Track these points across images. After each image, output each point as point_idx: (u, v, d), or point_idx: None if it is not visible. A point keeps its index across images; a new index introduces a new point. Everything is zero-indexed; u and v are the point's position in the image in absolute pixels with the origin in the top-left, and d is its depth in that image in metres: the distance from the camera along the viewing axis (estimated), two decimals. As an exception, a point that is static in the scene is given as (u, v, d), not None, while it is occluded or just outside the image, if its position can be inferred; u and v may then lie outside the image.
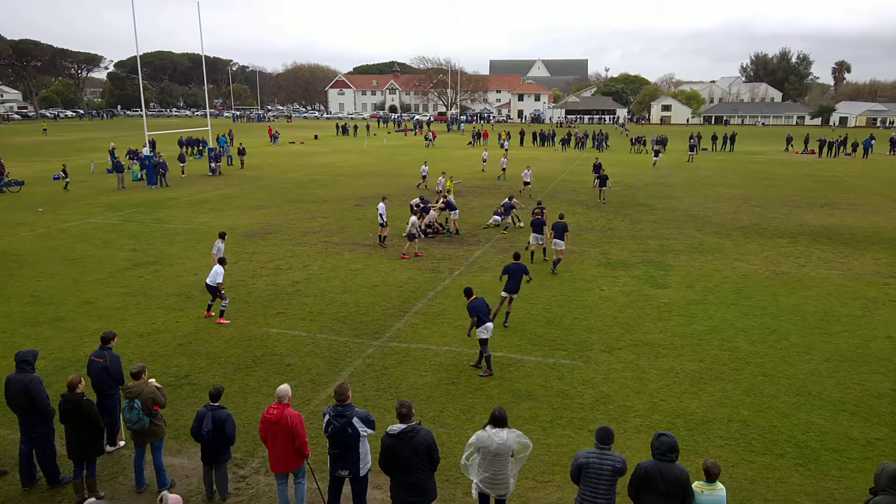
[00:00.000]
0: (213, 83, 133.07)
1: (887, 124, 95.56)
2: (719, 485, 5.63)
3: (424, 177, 30.65)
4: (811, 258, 18.08)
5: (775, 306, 13.82)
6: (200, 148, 45.93)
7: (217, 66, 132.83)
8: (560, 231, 16.40)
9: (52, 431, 7.52)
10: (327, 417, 6.46)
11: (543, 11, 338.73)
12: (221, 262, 13.11)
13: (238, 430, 8.29)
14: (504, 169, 35.61)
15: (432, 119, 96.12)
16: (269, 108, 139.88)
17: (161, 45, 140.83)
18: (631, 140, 55.93)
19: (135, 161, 34.43)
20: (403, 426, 6.02)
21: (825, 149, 50.91)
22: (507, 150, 42.48)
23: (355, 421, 6.37)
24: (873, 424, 8.92)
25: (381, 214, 18.86)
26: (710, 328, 12.53)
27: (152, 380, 7.71)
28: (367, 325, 12.66)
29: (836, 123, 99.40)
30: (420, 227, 19.07)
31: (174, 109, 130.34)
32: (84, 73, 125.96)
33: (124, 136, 60.66)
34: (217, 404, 7.04)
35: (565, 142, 56.94)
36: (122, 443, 8.39)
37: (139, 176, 32.99)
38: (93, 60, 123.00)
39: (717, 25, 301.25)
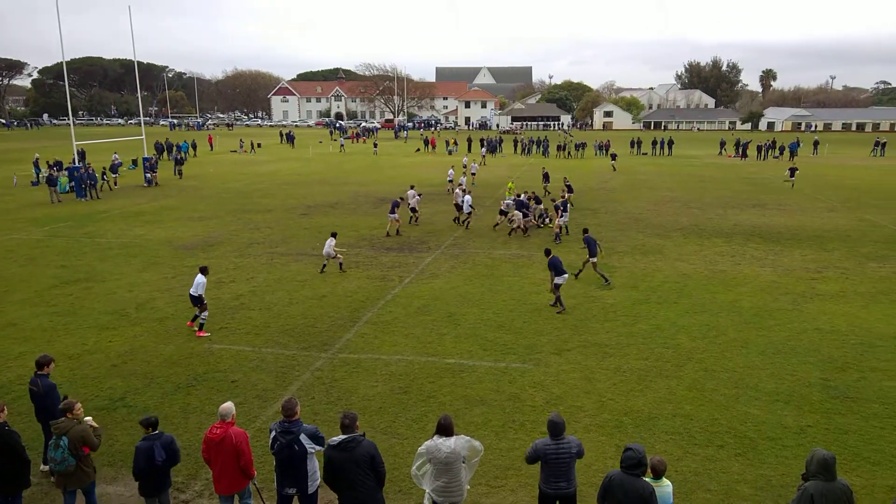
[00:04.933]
0: (148, 90, 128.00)
1: (811, 129, 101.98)
2: (665, 481, 5.77)
3: (451, 180, 32.85)
4: (745, 256, 18.98)
5: (713, 303, 14.40)
6: (178, 153, 44.52)
7: (151, 73, 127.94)
8: (561, 209, 21.37)
9: None
10: (273, 434, 6.26)
11: (493, 19, 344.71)
12: (203, 270, 12.67)
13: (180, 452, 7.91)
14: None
15: (379, 127, 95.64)
16: (209, 115, 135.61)
17: (93, 53, 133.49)
18: (557, 146, 57.05)
19: (62, 172, 32.67)
20: (344, 437, 5.87)
21: (754, 151, 53.79)
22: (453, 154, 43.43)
23: (302, 437, 6.18)
24: (805, 412, 9.39)
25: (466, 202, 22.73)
26: (654, 327, 12.92)
27: (89, 418, 7.05)
28: (315, 336, 12.37)
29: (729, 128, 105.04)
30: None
31: (105, 118, 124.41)
32: (6, 81, 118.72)
33: (51, 146, 57.36)
34: (157, 432, 6.61)
35: (515, 146, 58.72)
36: None
37: (66, 188, 31.30)
38: (15, 67, 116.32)
39: (660, 35, 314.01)
